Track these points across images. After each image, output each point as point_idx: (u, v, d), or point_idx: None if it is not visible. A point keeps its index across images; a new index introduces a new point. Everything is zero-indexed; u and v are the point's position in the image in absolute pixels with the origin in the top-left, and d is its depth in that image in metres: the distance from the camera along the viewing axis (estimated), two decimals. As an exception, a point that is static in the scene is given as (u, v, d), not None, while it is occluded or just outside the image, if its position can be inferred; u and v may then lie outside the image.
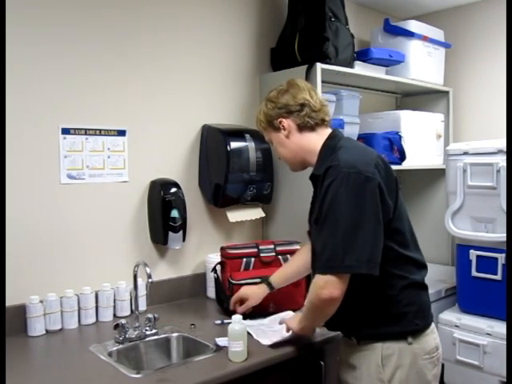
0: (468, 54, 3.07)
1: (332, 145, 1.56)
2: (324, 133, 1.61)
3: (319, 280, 1.42)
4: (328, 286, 1.40)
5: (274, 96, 1.63)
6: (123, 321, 1.79)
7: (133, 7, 2.15)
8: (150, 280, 1.76)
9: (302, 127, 1.59)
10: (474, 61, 3.05)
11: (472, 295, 2.40)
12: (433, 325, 1.57)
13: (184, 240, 2.20)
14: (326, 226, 1.43)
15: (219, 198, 2.29)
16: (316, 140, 1.60)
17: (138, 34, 2.17)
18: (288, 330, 1.68)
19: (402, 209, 1.54)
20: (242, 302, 1.92)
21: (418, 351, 1.48)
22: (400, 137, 2.66)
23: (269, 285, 1.91)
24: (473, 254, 2.38)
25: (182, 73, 2.31)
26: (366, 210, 1.39)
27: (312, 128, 1.60)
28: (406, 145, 2.67)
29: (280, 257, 2.13)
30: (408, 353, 1.47)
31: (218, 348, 1.68)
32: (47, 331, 1.88)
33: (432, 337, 1.54)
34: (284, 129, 1.61)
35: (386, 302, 1.49)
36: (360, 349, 1.52)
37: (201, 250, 2.40)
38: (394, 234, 1.48)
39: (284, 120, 1.60)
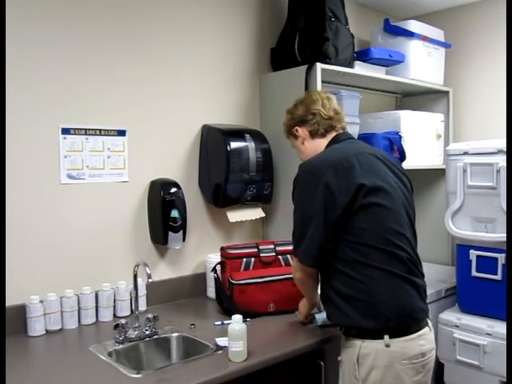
0: (468, 54, 3.07)
1: (327, 147, 1.74)
2: (331, 137, 1.76)
3: (294, 264, 1.69)
4: (297, 270, 1.68)
5: (291, 108, 1.85)
6: (123, 321, 1.79)
7: (133, 8, 2.15)
8: (149, 280, 1.76)
9: (314, 134, 1.77)
10: (474, 61, 3.05)
11: (472, 295, 2.40)
12: (424, 331, 1.55)
13: (184, 240, 2.20)
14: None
15: (219, 197, 2.29)
16: (324, 144, 1.76)
17: (138, 34, 2.17)
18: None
19: (375, 208, 1.54)
20: None
21: (396, 355, 1.48)
22: (400, 137, 2.66)
23: None
24: (473, 253, 2.37)
25: (181, 73, 2.31)
26: (310, 207, 1.56)
27: (323, 134, 1.77)
28: (406, 145, 2.66)
29: (280, 257, 2.14)
30: (384, 355, 1.48)
31: (218, 348, 1.68)
32: (47, 331, 1.88)
33: (417, 343, 1.52)
34: (299, 136, 1.81)
35: (358, 289, 1.51)
36: (346, 345, 1.58)
37: (201, 250, 2.40)
38: (353, 230, 1.52)
39: (299, 128, 1.80)
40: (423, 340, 1.54)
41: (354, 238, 1.53)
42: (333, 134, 1.76)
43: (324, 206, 1.52)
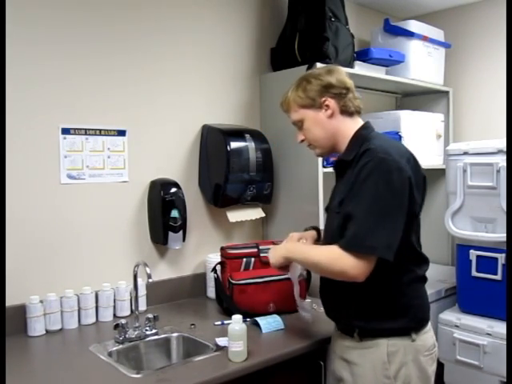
0: (468, 54, 3.07)
1: (365, 134, 1.55)
2: (358, 121, 1.60)
3: (349, 259, 1.38)
4: (358, 269, 1.38)
5: (318, 73, 1.58)
6: (123, 321, 1.79)
7: (133, 8, 2.15)
8: (149, 280, 1.76)
9: (344, 111, 1.56)
10: (474, 61, 3.05)
11: (472, 295, 2.40)
12: (429, 322, 1.60)
13: (184, 240, 2.20)
14: (355, 203, 1.42)
15: (219, 197, 2.29)
16: (351, 126, 1.57)
17: (138, 34, 2.17)
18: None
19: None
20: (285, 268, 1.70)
21: (420, 348, 1.51)
22: (400, 137, 2.66)
23: (317, 231, 1.79)
24: (473, 253, 2.37)
25: (182, 73, 2.31)
26: (394, 198, 1.40)
27: (351, 114, 1.58)
28: (406, 145, 2.66)
29: (280, 257, 2.13)
30: (411, 349, 1.49)
31: (218, 348, 1.68)
32: (47, 331, 1.88)
33: (430, 334, 1.57)
34: (328, 108, 1.56)
35: (395, 293, 1.50)
36: (363, 346, 1.52)
37: (201, 250, 2.40)
38: (417, 231, 1.54)
39: (329, 99, 1.55)
40: (431, 331, 1.59)
41: (413, 239, 1.51)
42: (358, 119, 1.60)
43: (408, 200, 1.41)
